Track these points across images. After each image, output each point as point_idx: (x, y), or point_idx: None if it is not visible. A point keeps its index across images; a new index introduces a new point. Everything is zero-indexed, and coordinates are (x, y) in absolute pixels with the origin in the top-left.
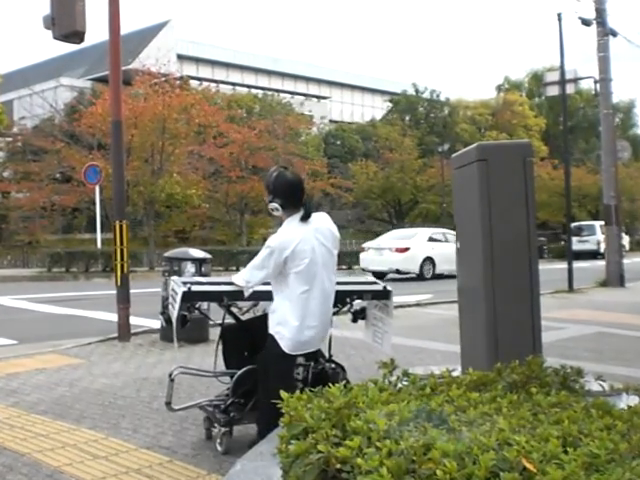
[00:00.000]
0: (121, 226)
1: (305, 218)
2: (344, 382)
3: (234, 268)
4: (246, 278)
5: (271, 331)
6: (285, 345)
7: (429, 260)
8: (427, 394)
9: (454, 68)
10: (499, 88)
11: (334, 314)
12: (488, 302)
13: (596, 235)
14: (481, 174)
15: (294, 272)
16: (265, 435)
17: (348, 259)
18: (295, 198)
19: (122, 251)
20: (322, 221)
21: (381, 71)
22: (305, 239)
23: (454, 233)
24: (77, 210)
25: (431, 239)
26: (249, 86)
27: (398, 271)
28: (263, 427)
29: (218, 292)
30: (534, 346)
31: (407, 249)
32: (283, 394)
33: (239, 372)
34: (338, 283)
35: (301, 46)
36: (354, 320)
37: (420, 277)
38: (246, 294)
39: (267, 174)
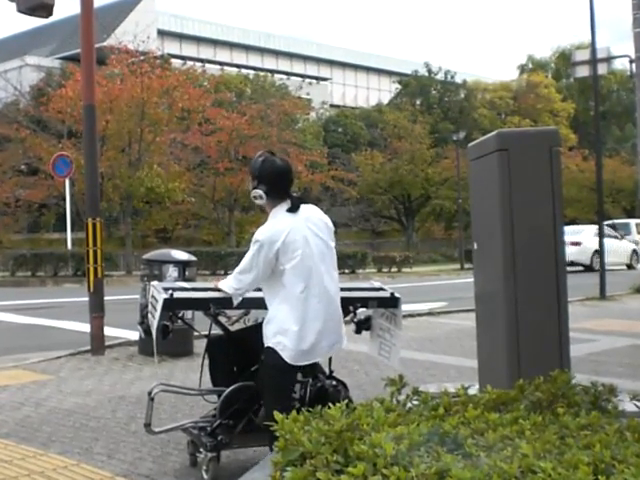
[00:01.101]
0: (94, 224)
1: (293, 208)
2: (346, 401)
3: (222, 272)
4: (234, 285)
5: (269, 344)
6: (288, 356)
7: (597, 253)
8: (440, 415)
9: (471, 46)
10: (522, 68)
11: None
12: (509, 311)
13: (631, 234)
14: (501, 166)
15: (288, 268)
16: None
17: (351, 262)
18: (282, 186)
19: (95, 253)
20: (312, 211)
21: (388, 49)
22: (295, 228)
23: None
24: (44, 206)
25: (596, 234)
26: (239, 66)
27: (572, 263)
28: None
29: (204, 299)
30: (561, 360)
31: (579, 243)
32: (277, 415)
33: (227, 390)
34: (340, 290)
35: (298, 21)
36: (358, 331)
37: (589, 269)
38: (235, 302)
39: (252, 159)
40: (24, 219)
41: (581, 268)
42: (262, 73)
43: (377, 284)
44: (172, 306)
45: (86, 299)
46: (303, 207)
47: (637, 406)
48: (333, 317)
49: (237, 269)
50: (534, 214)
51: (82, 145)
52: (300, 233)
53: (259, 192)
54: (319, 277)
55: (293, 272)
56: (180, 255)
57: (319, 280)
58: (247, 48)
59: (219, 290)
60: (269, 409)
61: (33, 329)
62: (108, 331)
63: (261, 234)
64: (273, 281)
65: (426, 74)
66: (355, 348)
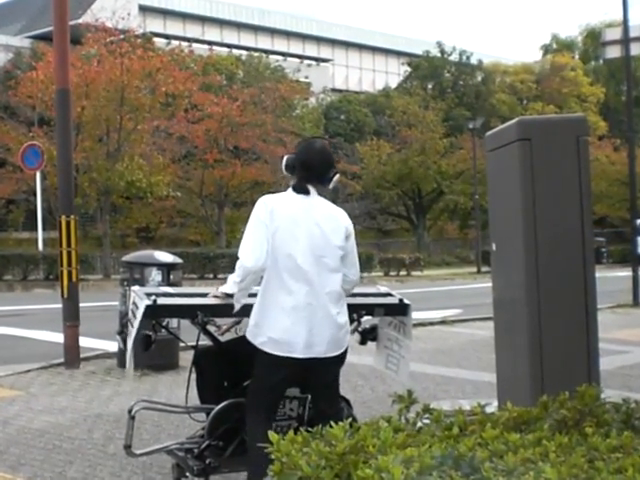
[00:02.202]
0: (68, 222)
1: (301, 190)
2: (349, 420)
3: (211, 276)
4: (236, 277)
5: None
6: (258, 342)
7: None
8: (454, 435)
9: (489, 23)
10: (545, 49)
11: None
12: (532, 319)
13: None
14: (523, 157)
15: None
16: None
17: None
18: (307, 167)
19: (70, 254)
20: (328, 207)
21: (397, 27)
22: (291, 204)
23: None
24: (13, 202)
25: None
26: (230, 46)
27: None
28: (254, 476)
29: (191, 306)
30: (589, 374)
31: None
32: (272, 436)
33: (217, 407)
34: None
35: None
36: (362, 342)
37: None
38: (238, 304)
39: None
40: None
41: None
42: (256, 54)
43: (384, 289)
44: (155, 313)
45: (59, 306)
46: (317, 197)
47: None
48: (315, 316)
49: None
50: (559, 211)
51: (55, 134)
52: (291, 211)
53: (284, 159)
54: (304, 268)
55: (271, 254)
56: (164, 257)
57: (303, 272)
58: (239, 26)
59: (221, 297)
60: (248, 422)
61: (0, 340)
62: (84, 342)
63: (260, 199)
64: None
65: (439, 55)
66: (359, 361)
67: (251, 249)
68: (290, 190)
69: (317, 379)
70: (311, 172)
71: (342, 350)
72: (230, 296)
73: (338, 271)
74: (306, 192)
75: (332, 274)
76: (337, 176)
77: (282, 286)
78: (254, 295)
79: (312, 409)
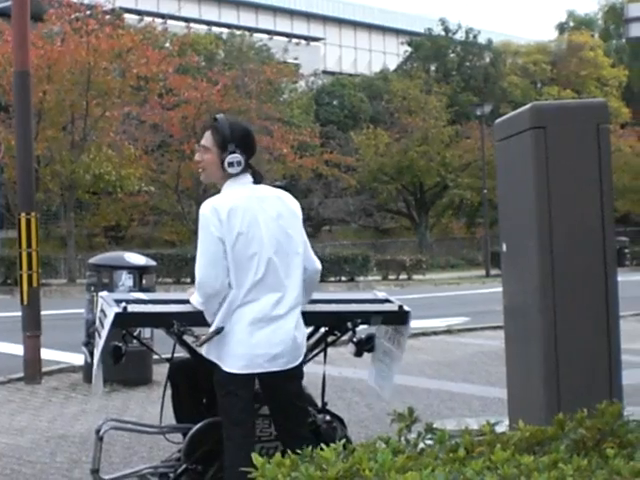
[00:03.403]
0: (29, 220)
1: (255, 180)
2: (343, 441)
3: (188, 280)
4: (197, 294)
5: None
6: (226, 363)
7: None
8: (460, 458)
9: None
10: (561, 27)
11: (329, 344)
12: (546, 328)
13: None
14: (537, 147)
15: (229, 250)
16: None
17: (349, 267)
18: (252, 153)
19: (30, 256)
20: (273, 191)
21: (396, 2)
22: (243, 202)
23: None
24: None
25: None
26: (209, 23)
27: None
28: None
29: (166, 314)
30: (611, 389)
31: None
32: (256, 458)
33: (195, 427)
34: (334, 301)
35: None
36: (358, 353)
37: None
38: (210, 317)
39: (211, 121)
40: None
41: None
42: (238, 32)
43: (382, 295)
44: (126, 322)
45: (18, 314)
46: (263, 186)
47: None
48: (285, 324)
49: (197, 264)
50: (577, 208)
51: (14, 122)
52: (250, 211)
53: (238, 158)
54: (268, 267)
55: (234, 259)
56: (135, 259)
57: (272, 279)
58: (219, 1)
59: (187, 302)
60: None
61: None
62: (46, 354)
63: (205, 206)
64: None
65: (442, 33)
66: (354, 375)
67: (205, 269)
68: (237, 184)
69: (282, 394)
70: (254, 148)
71: (302, 358)
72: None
73: (301, 267)
74: (261, 179)
75: (298, 274)
76: None
77: (248, 295)
78: None
79: (281, 431)
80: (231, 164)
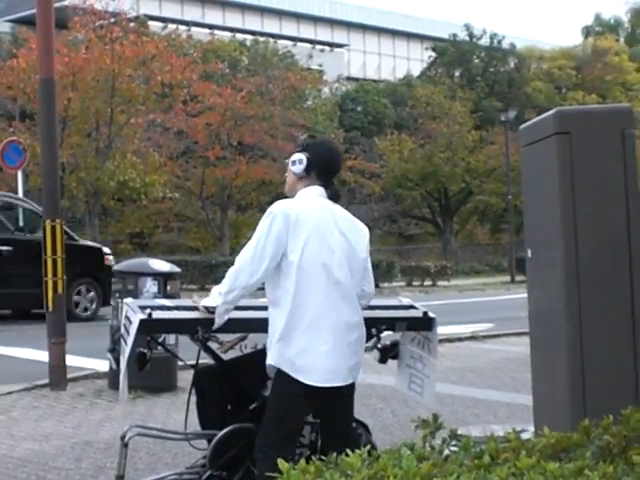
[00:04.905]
0: (54, 227)
1: (331, 196)
2: (368, 447)
3: (213, 286)
4: (222, 287)
5: (269, 361)
6: (289, 368)
7: None
8: (485, 464)
9: (523, 3)
10: (587, 31)
11: None
12: (572, 334)
13: None
14: (562, 153)
15: (295, 259)
16: None
17: (374, 273)
18: (328, 169)
19: (55, 262)
20: (344, 212)
21: (420, 8)
22: (316, 212)
23: None
24: None
25: None
26: (233, 29)
27: None
28: None
29: (190, 320)
30: (637, 395)
31: None
32: (281, 463)
33: (220, 433)
34: None
35: None
36: (382, 360)
37: None
38: (219, 319)
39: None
40: None
41: None
42: (262, 38)
43: (406, 301)
44: (150, 329)
45: (43, 320)
46: (337, 205)
47: None
48: (352, 333)
49: (231, 268)
50: (603, 213)
51: (38, 129)
52: (321, 219)
53: (300, 156)
54: (336, 281)
55: (301, 267)
56: (160, 265)
57: (338, 284)
58: (243, 7)
59: (201, 310)
60: (262, 454)
61: None
62: (71, 360)
63: (275, 205)
64: (275, 282)
65: (467, 39)
66: (379, 381)
67: (250, 261)
68: (310, 193)
69: (342, 404)
70: (333, 173)
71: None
72: (212, 310)
73: (360, 286)
74: (338, 199)
75: (359, 288)
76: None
77: (320, 304)
78: (245, 308)
79: (327, 438)
80: (293, 162)
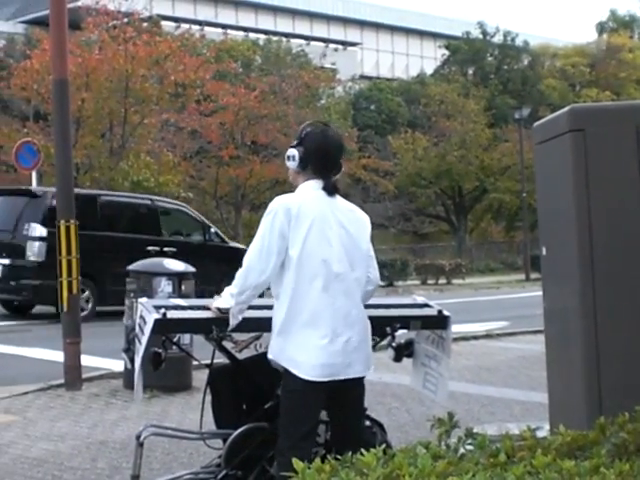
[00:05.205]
0: (68, 228)
1: (327, 189)
2: (383, 446)
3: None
4: (234, 289)
5: (275, 358)
6: (296, 368)
7: None
8: (501, 463)
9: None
10: (601, 27)
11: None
12: (587, 332)
13: None
14: (576, 150)
15: (295, 254)
16: None
17: (388, 272)
18: (324, 161)
19: (70, 263)
20: (345, 203)
21: (433, 6)
22: (316, 205)
23: None
24: None
25: None
26: (246, 29)
27: None
28: None
29: (205, 320)
30: None
31: None
32: (297, 463)
33: (235, 433)
34: (373, 306)
35: None
36: (397, 359)
37: None
38: (234, 320)
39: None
40: None
41: None
42: (275, 38)
43: (421, 299)
44: (165, 328)
45: (58, 320)
46: (338, 197)
47: None
48: (354, 328)
49: (240, 269)
50: (618, 211)
51: (52, 129)
52: (320, 213)
53: (293, 152)
54: (336, 275)
55: (301, 261)
56: (175, 265)
57: (337, 278)
58: (256, 7)
59: (214, 312)
60: (281, 454)
61: None
62: (86, 360)
63: (275, 201)
64: (278, 276)
65: (480, 36)
66: (394, 380)
67: (257, 260)
68: (309, 187)
69: (347, 400)
70: (332, 166)
71: (373, 366)
72: (224, 312)
73: (365, 276)
74: (336, 191)
75: (362, 281)
76: (342, 167)
77: (318, 298)
78: (259, 307)
79: (337, 435)
80: (288, 158)
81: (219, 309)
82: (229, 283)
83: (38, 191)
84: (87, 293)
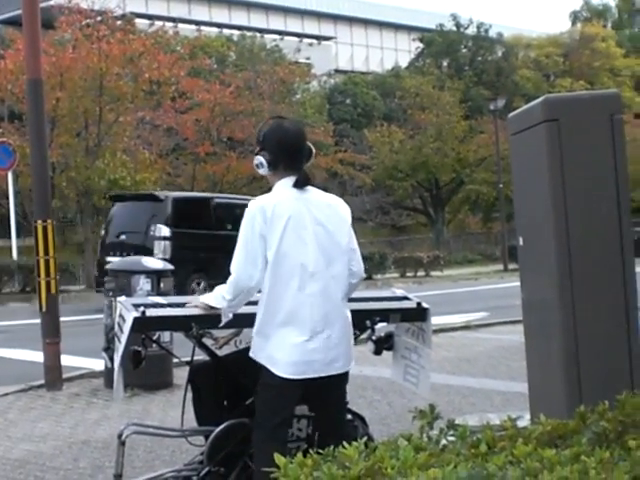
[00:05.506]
0: (45, 228)
1: (298, 183)
2: (365, 439)
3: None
4: (226, 294)
5: (254, 356)
6: (273, 366)
7: None
8: (483, 453)
9: None
10: (575, 17)
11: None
12: (565, 321)
13: None
14: (550, 140)
15: (271, 255)
16: None
17: (367, 265)
18: (289, 155)
19: (48, 263)
20: (322, 196)
21: None
22: (290, 204)
23: None
24: None
25: None
26: (220, 25)
27: None
28: None
29: (184, 317)
30: (632, 381)
31: None
32: (278, 458)
33: (217, 429)
34: (352, 300)
35: None
36: (377, 352)
37: None
38: (225, 318)
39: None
40: None
41: None
42: (249, 33)
43: (400, 292)
44: (144, 327)
45: (37, 321)
46: (312, 189)
47: None
48: (333, 325)
49: (230, 278)
50: (593, 199)
51: (27, 129)
52: (295, 212)
53: (260, 159)
54: (311, 274)
55: (277, 262)
56: (153, 263)
57: (313, 277)
58: (229, 3)
59: (202, 307)
60: (256, 446)
61: None
62: (66, 360)
63: (251, 204)
64: None
65: (454, 28)
66: (374, 373)
67: (244, 266)
68: (283, 185)
69: (330, 396)
70: (298, 157)
71: (353, 361)
72: (214, 307)
73: (346, 271)
74: (308, 184)
75: (342, 277)
76: (313, 149)
77: (293, 298)
78: (252, 303)
79: (319, 430)
80: (256, 166)
81: (210, 306)
82: None
83: (161, 195)
84: (202, 285)
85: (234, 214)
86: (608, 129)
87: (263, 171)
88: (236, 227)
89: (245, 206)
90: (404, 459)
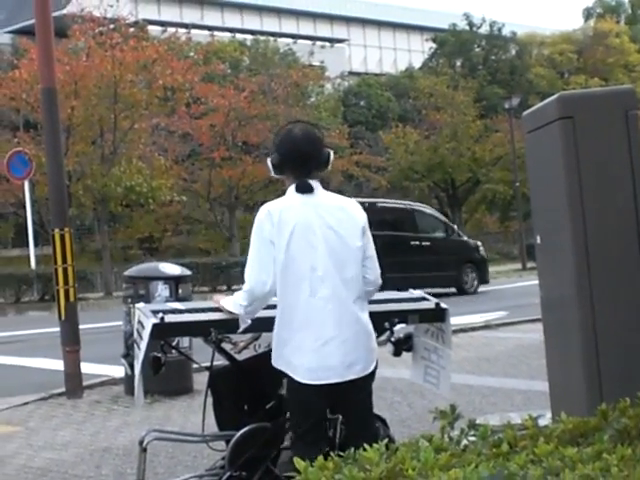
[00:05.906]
0: (63, 236)
1: (300, 188)
2: (386, 441)
3: (225, 287)
4: (242, 300)
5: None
6: (295, 372)
7: None
8: (504, 453)
9: None
10: (588, 13)
11: None
12: (585, 319)
13: None
14: (565, 138)
15: (281, 260)
16: None
17: None
18: (295, 161)
19: (66, 271)
20: (332, 199)
21: None
22: (297, 209)
23: None
24: (0, 216)
25: None
26: (233, 30)
27: None
28: None
29: (203, 322)
30: None
31: None
32: (298, 462)
33: (238, 434)
34: (370, 302)
35: None
36: (396, 353)
37: None
38: (243, 324)
39: None
40: None
41: None
42: (262, 37)
43: (418, 293)
44: (163, 333)
45: (57, 329)
46: (322, 192)
47: None
48: (347, 329)
49: (244, 286)
50: (610, 196)
51: (43, 138)
52: (303, 218)
53: (268, 161)
54: (321, 279)
55: (286, 267)
56: (171, 269)
57: (324, 282)
58: (241, 7)
59: (221, 310)
60: (292, 446)
61: None
62: (86, 368)
63: (260, 210)
64: None
65: (467, 28)
66: (394, 374)
67: (257, 273)
68: (291, 190)
69: (353, 399)
70: (304, 162)
71: (376, 362)
72: (232, 312)
73: (360, 274)
74: (310, 189)
75: (356, 281)
76: (332, 155)
77: (306, 303)
78: (270, 307)
79: (345, 432)
80: (268, 168)
81: (229, 311)
82: (464, 266)
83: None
84: None
85: (393, 216)
86: (623, 125)
87: (273, 173)
88: (397, 228)
89: (402, 210)
90: (425, 460)
